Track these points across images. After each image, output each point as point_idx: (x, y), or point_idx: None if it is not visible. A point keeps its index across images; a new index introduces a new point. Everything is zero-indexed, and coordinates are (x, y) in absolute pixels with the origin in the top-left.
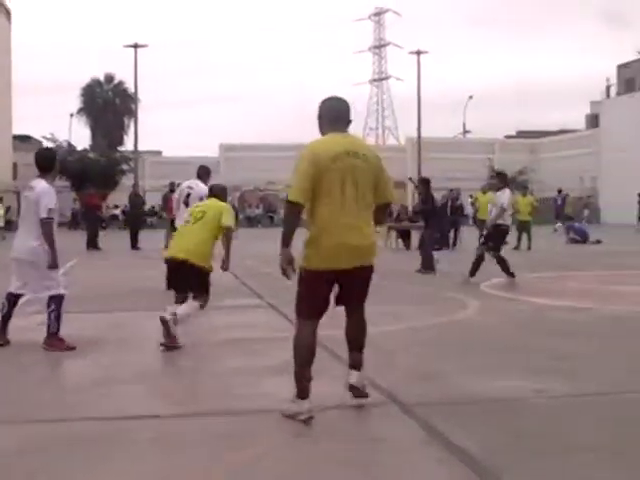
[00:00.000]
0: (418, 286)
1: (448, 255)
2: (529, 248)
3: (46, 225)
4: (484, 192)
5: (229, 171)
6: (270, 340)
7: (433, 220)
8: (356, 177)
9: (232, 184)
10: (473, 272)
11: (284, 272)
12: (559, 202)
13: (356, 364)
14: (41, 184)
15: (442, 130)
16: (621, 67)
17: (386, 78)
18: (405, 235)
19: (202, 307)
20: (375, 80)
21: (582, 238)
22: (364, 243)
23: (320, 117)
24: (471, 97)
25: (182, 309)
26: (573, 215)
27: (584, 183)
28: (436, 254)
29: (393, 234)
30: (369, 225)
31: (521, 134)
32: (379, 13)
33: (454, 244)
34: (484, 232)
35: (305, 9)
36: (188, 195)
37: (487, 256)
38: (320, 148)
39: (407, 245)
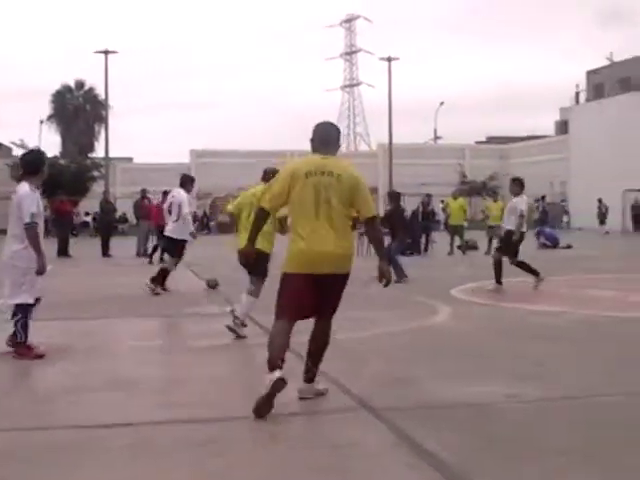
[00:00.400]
0: (389, 292)
1: (419, 261)
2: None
3: (30, 230)
4: (455, 198)
5: (200, 177)
6: (242, 347)
7: (400, 233)
8: (328, 193)
9: (203, 191)
10: (498, 278)
11: (242, 263)
12: (540, 208)
13: (308, 377)
14: (23, 188)
15: (413, 136)
16: (590, 73)
17: (357, 84)
18: None
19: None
20: (346, 86)
21: (553, 243)
22: (334, 252)
23: (310, 140)
24: (442, 103)
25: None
26: (547, 220)
27: (554, 188)
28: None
29: (365, 240)
30: (342, 236)
31: (491, 140)
32: (350, 20)
33: (425, 249)
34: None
35: (276, 16)
36: (171, 203)
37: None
38: (298, 165)
39: None
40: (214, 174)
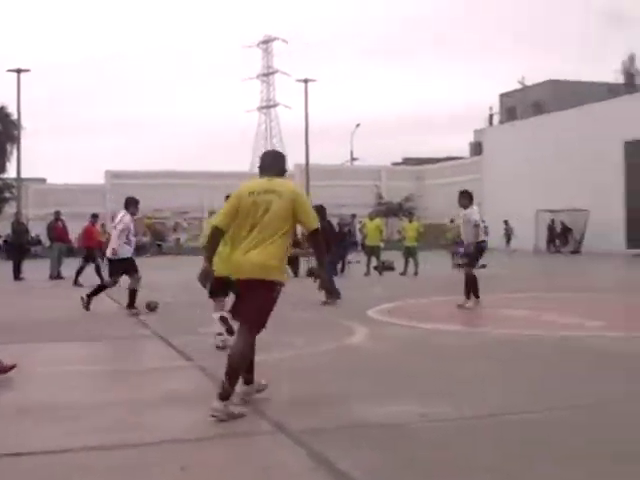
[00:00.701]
0: (305, 313)
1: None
2: (416, 273)
3: None
4: (371, 218)
5: (116, 199)
6: (158, 370)
7: (333, 248)
8: (268, 208)
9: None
10: (475, 293)
11: (202, 284)
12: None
13: (245, 380)
14: None
15: (331, 157)
16: (503, 96)
17: (274, 105)
18: (292, 262)
19: None
20: (263, 107)
21: None
22: (253, 259)
23: (258, 166)
24: (358, 125)
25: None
26: (459, 240)
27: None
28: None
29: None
30: (268, 248)
31: (407, 161)
32: (267, 41)
33: (342, 270)
34: (461, 252)
35: (193, 35)
36: (115, 226)
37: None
38: (245, 186)
39: (295, 272)
40: (130, 195)
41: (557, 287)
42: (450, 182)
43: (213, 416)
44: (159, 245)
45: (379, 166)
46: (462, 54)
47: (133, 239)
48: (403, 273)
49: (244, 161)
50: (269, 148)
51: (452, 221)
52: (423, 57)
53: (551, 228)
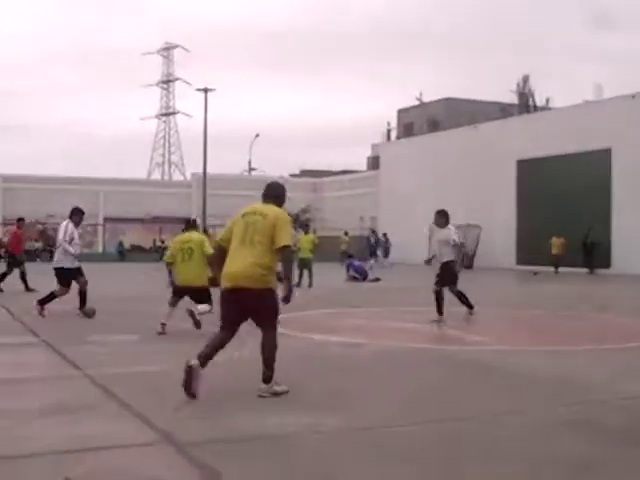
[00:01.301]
0: (203, 325)
1: None
2: (310, 285)
3: None
4: None
5: (8, 203)
6: (41, 380)
7: None
8: (255, 228)
9: (10, 218)
10: (440, 309)
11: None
12: (372, 241)
13: (263, 377)
14: None
15: (230, 167)
16: (401, 112)
17: (173, 113)
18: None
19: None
20: (162, 115)
21: (362, 276)
22: (245, 271)
23: (262, 194)
24: (257, 135)
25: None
26: (353, 253)
27: (364, 222)
28: None
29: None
30: (258, 261)
31: (305, 173)
32: (168, 48)
33: None
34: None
35: (91, 39)
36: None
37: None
38: (241, 210)
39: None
40: (22, 200)
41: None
42: (347, 195)
43: (261, 396)
44: (50, 251)
45: (277, 177)
46: (364, 68)
47: (76, 248)
48: (297, 285)
49: (141, 168)
50: (167, 156)
51: (346, 234)
52: (324, 70)
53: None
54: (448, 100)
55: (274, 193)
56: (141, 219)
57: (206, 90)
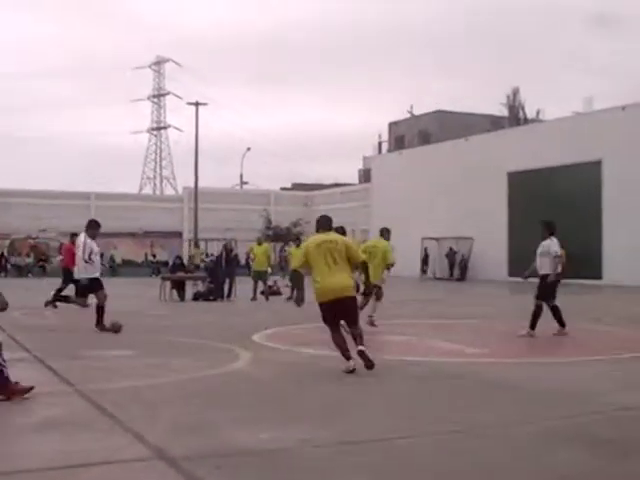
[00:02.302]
0: (190, 338)
1: (223, 306)
2: (289, 298)
3: None
4: (259, 243)
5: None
6: (36, 395)
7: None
8: (333, 253)
9: (1, 231)
10: (533, 325)
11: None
12: None
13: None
14: None
15: (222, 180)
16: (392, 125)
17: (165, 127)
18: (179, 286)
19: None
20: (154, 129)
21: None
22: (340, 283)
23: (316, 227)
24: (249, 149)
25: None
26: None
27: (356, 236)
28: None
29: (167, 285)
30: (348, 275)
31: (296, 186)
32: (159, 62)
33: (229, 295)
34: (538, 286)
35: (82, 53)
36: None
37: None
38: (310, 241)
39: (182, 296)
40: (13, 214)
41: (441, 314)
42: (339, 208)
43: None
44: (42, 266)
45: (268, 190)
46: (355, 81)
47: (96, 259)
48: (253, 298)
49: (133, 182)
50: (158, 170)
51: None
52: (316, 84)
53: (450, 255)
54: (439, 113)
55: (327, 224)
56: (133, 233)
57: (197, 104)
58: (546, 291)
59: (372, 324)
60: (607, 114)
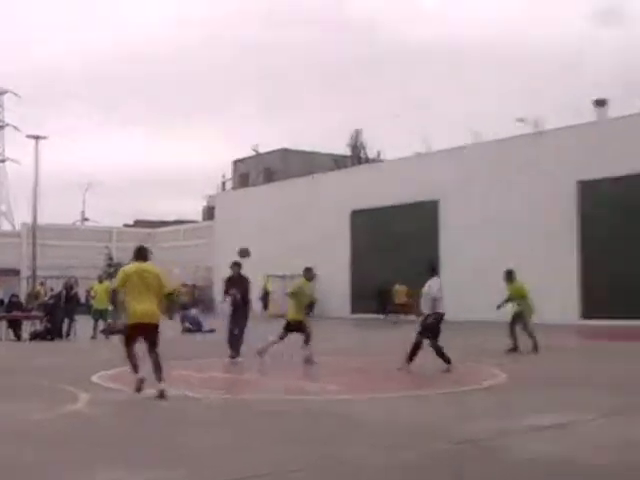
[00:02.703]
0: (31, 378)
1: (62, 346)
2: (107, 337)
3: None
4: (100, 281)
5: None
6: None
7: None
8: (146, 280)
9: None
10: (410, 357)
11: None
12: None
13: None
14: None
15: (63, 216)
16: (237, 162)
17: (2, 161)
18: (16, 325)
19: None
20: None
21: (196, 327)
22: (150, 311)
23: (133, 256)
24: (90, 184)
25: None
26: (188, 305)
27: (199, 273)
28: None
29: (3, 324)
30: (156, 303)
31: (139, 223)
32: None
33: (67, 334)
34: (420, 322)
35: None
36: None
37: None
38: (129, 267)
39: (18, 336)
40: None
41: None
42: (182, 245)
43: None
44: None
45: (110, 227)
46: (197, 118)
47: None
48: (93, 337)
49: None
50: None
51: (185, 285)
52: (156, 119)
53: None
54: (283, 151)
55: (145, 255)
56: None
57: (37, 137)
58: (427, 330)
59: (310, 361)
60: (444, 155)
